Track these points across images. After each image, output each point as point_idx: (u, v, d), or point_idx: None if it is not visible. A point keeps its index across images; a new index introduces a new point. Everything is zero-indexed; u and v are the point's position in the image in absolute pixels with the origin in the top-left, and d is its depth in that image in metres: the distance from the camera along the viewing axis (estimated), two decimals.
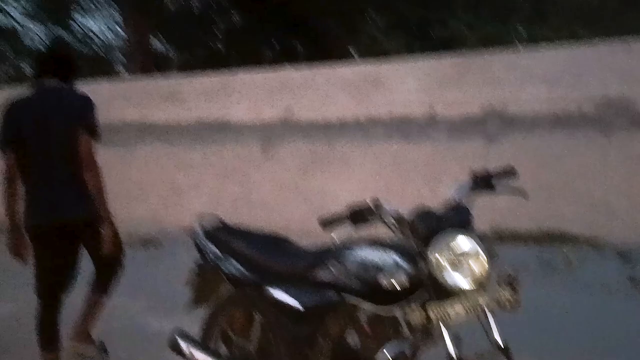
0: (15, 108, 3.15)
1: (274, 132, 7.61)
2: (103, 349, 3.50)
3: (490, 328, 2.11)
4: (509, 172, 2.44)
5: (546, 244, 5.32)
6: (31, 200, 3.13)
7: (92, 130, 3.15)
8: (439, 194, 5.91)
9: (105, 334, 4.17)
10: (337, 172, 6.94)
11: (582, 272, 4.82)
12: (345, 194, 6.48)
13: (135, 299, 4.77)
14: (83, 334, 3.38)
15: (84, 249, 3.28)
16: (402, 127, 6.95)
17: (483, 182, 2.40)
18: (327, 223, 2.23)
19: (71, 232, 3.14)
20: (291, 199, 6.91)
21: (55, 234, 3.10)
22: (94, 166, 3.10)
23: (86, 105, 3.18)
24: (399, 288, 2.14)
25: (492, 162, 5.90)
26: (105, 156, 8.13)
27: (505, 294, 2.09)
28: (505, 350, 2.07)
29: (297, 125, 7.57)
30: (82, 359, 3.31)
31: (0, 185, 3.17)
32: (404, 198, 6.02)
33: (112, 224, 3.17)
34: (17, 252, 3.11)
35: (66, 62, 3.34)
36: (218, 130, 7.97)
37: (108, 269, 3.40)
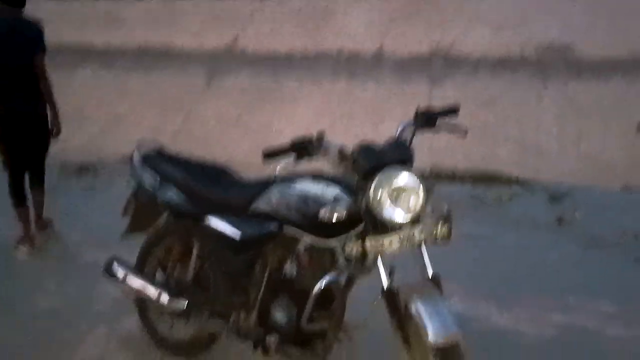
0: None
1: (218, 63, 7.42)
2: (50, 224, 4.56)
3: (423, 260, 2.18)
4: (451, 110, 2.47)
5: (480, 183, 5.48)
6: None
7: (44, 50, 4.26)
8: (383, 132, 5.95)
9: (41, 264, 4.13)
10: (282, 107, 6.87)
11: (513, 210, 5.01)
12: (289, 129, 6.41)
13: (70, 229, 4.68)
14: (41, 223, 4.47)
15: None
16: (350, 64, 6.91)
17: (426, 119, 2.42)
18: (270, 155, 2.20)
19: (25, 123, 4.20)
20: (234, 132, 6.81)
21: (16, 123, 4.17)
22: (47, 77, 4.25)
23: (40, 30, 4.27)
24: (338, 221, 2.16)
25: (435, 102, 5.97)
26: None
27: (439, 228, 2.16)
28: (436, 281, 2.15)
29: (243, 56, 7.40)
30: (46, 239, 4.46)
31: None
32: (348, 136, 6.02)
33: (57, 115, 4.33)
34: None
35: None
36: (160, 58, 7.71)
37: (39, 163, 4.41)
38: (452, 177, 5.68)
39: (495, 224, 4.72)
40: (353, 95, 6.69)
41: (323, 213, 2.15)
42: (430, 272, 2.18)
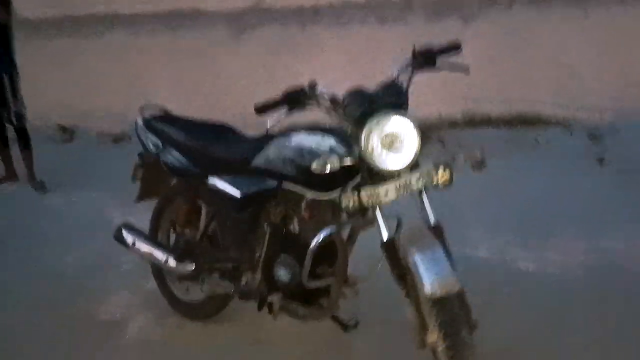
0: None
1: (245, 20, 7.30)
2: (43, 186, 4.99)
3: (424, 207, 2.08)
4: (453, 47, 2.30)
5: (517, 126, 5.21)
6: None
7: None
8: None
9: (75, 226, 4.20)
10: (309, 57, 6.70)
11: (551, 152, 4.76)
12: (317, 78, 6.26)
13: (105, 192, 4.75)
14: (32, 177, 5.04)
15: None
16: (378, 10, 6.66)
17: (425, 58, 2.27)
18: (262, 109, 2.12)
19: None
20: (261, 84, 6.70)
21: None
22: None
23: None
24: (335, 173, 2.07)
25: (469, 42, 5.66)
26: (72, 48, 7.89)
27: (439, 173, 2.04)
28: (438, 229, 2.05)
29: (269, 12, 7.25)
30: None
31: None
32: (376, 82, 5.84)
33: None
34: None
35: None
36: (188, 19, 7.64)
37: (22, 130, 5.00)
38: (486, 121, 5.41)
39: (530, 167, 4.49)
40: (381, 40, 6.45)
41: (315, 165, 2.06)
42: (432, 220, 2.08)
